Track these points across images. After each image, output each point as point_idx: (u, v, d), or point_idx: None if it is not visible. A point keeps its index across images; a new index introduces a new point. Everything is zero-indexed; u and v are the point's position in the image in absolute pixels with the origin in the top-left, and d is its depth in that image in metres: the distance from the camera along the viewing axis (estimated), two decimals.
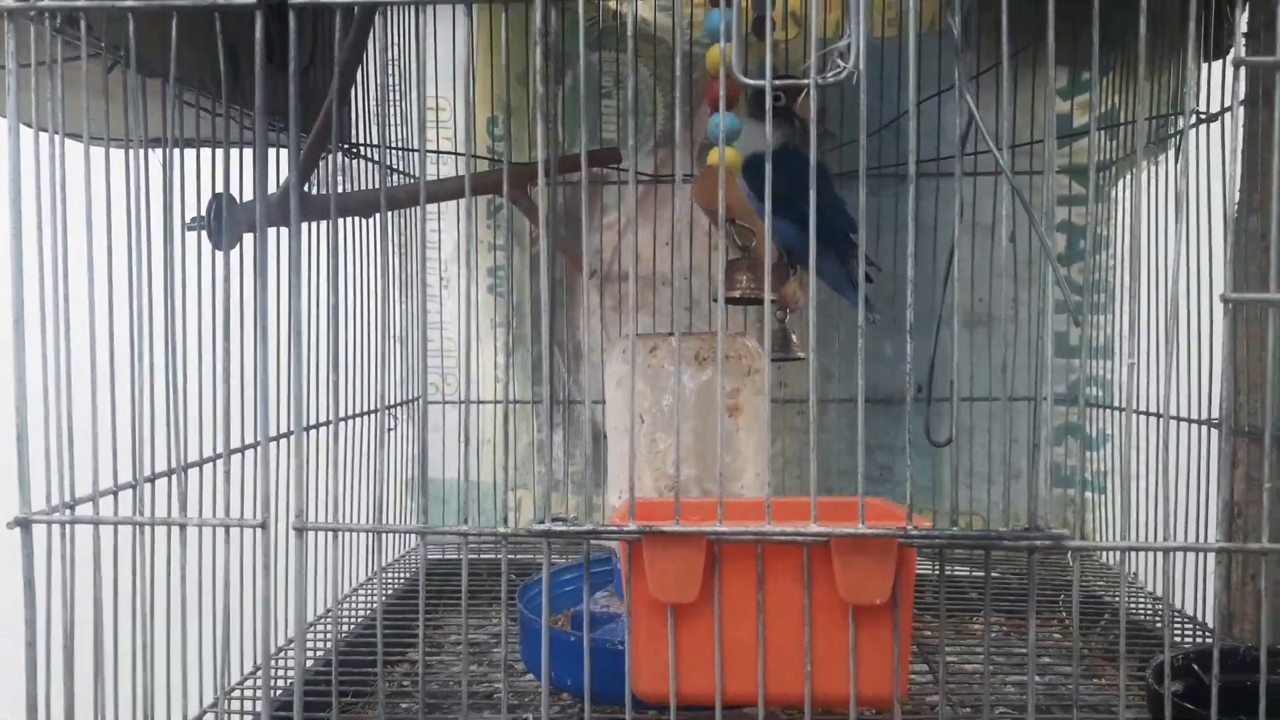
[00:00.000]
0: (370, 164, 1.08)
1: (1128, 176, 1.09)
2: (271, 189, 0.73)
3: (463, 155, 1.18)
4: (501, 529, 0.48)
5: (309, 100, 0.87)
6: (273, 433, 0.50)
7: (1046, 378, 0.47)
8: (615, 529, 0.47)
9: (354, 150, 1.00)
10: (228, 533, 0.50)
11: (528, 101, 1.20)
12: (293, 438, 0.49)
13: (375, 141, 1.05)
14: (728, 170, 0.71)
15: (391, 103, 1.12)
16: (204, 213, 0.70)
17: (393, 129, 1.15)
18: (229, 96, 0.56)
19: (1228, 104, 0.83)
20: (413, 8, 1.11)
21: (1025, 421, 1.19)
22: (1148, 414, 0.98)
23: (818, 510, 0.49)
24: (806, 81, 0.46)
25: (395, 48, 1.15)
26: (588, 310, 1.20)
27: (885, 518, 0.52)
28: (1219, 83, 0.82)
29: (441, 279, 1.24)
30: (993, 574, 0.49)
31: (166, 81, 0.52)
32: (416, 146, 1.11)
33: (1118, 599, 1.00)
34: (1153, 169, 0.99)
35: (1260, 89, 0.81)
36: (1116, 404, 1.10)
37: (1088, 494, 1.18)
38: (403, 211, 1.14)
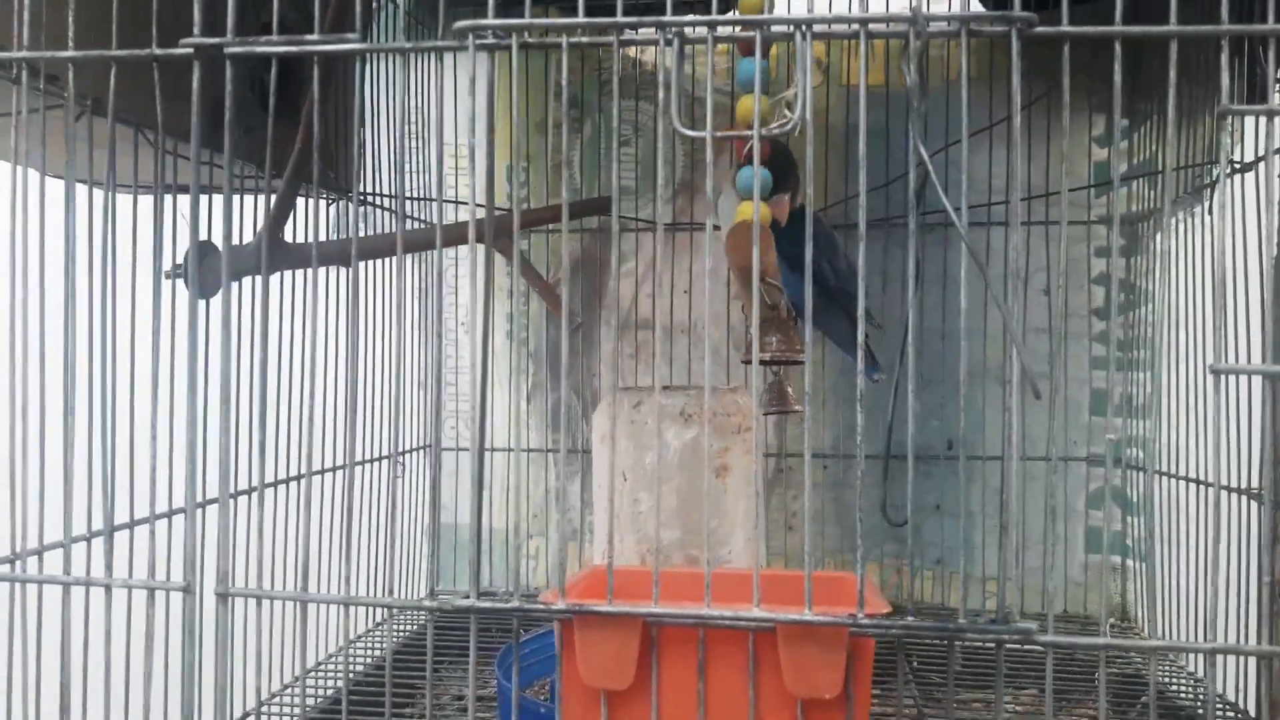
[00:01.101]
0: (386, 212, 1.08)
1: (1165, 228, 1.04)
2: (250, 238, 0.73)
3: (462, 204, 1.17)
4: (427, 602, 0.45)
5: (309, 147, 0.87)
6: (218, 494, 0.48)
7: (1012, 438, 0.43)
8: (543, 608, 0.44)
9: (364, 199, 1.00)
10: (151, 596, 0.48)
11: (546, 149, 1.19)
12: (218, 503, 0.47)
13: (389, 190, 1.05)
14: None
15: (407, 150, 1.12)
16: (183, 261, 0.69)
17: (413, 176, 1.15)
18: (211, 145, 0.55)
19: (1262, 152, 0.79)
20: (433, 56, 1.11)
21: (1063, 485, 1.13)
22: (1181, 479, 0.93)
23: (776, 588, 0.45)
24: (749, 133, 0.43)
25: (418, 95, 1.15)
26: (603, 358, 1.18)
27: (848, 601, 0.48)
28: (1254, 131, 0.78)
29: (461, 324, 1.23)
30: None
31: (139, 131, 0.51)
32: (431, 196, 1.10)
33: (1157, 676, 0.94)
34: (1189, 220, 0.94)
35: None
36: (1152, 468, 1.04)
37: (1129, 561, 1.11)
38: (422, 256, 1.13)
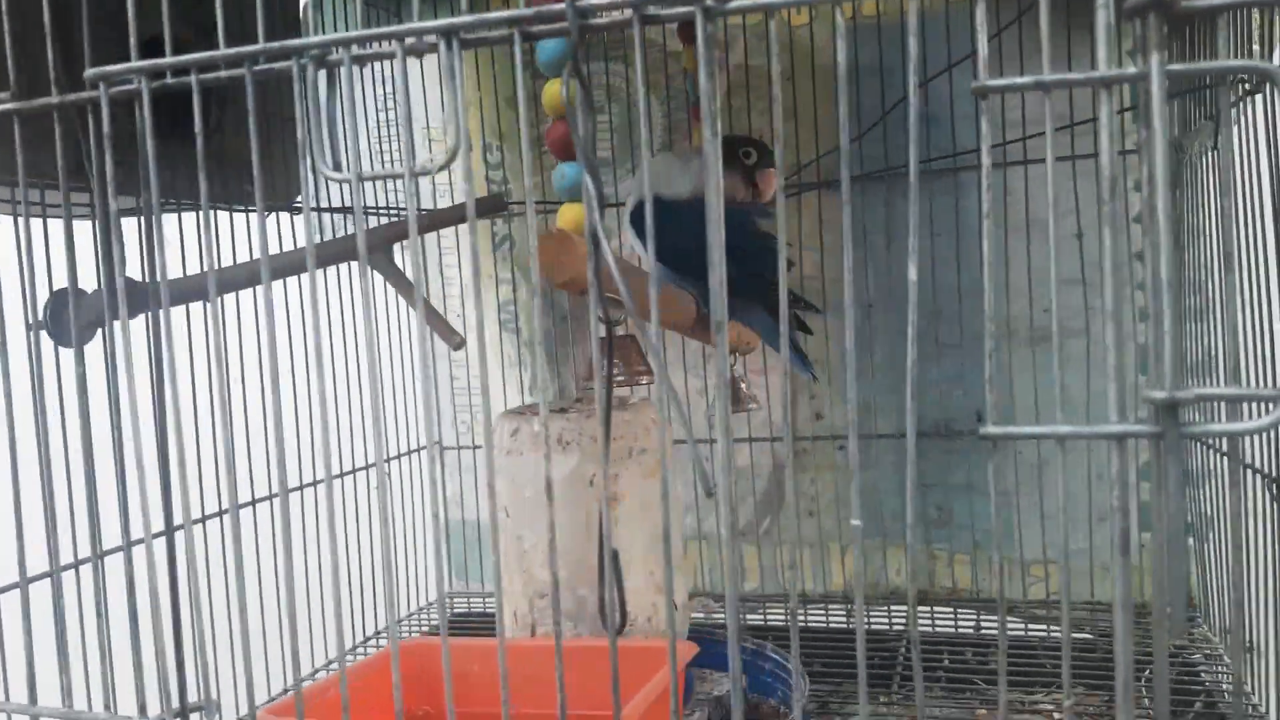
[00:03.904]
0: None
1: (1209, 150, 0.87)
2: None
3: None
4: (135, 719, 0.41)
5: (221, 164, 0.84)
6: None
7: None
8: None
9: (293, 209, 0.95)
10: None
11: (518, 124, 1.11)
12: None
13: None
14: (574, 231, 0.59)
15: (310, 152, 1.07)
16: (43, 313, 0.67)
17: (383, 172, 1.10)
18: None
19: None
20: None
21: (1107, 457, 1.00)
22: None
23: (589, 667, 0.39)
24: (399, 171, 0.35)
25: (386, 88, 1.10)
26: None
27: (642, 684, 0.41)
28: None
29: (457, 315, 1.18)
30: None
31: None
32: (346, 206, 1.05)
33: (1216, 680, 0.82)
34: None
35: None
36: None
37: (1190, 540, 0.97)
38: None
